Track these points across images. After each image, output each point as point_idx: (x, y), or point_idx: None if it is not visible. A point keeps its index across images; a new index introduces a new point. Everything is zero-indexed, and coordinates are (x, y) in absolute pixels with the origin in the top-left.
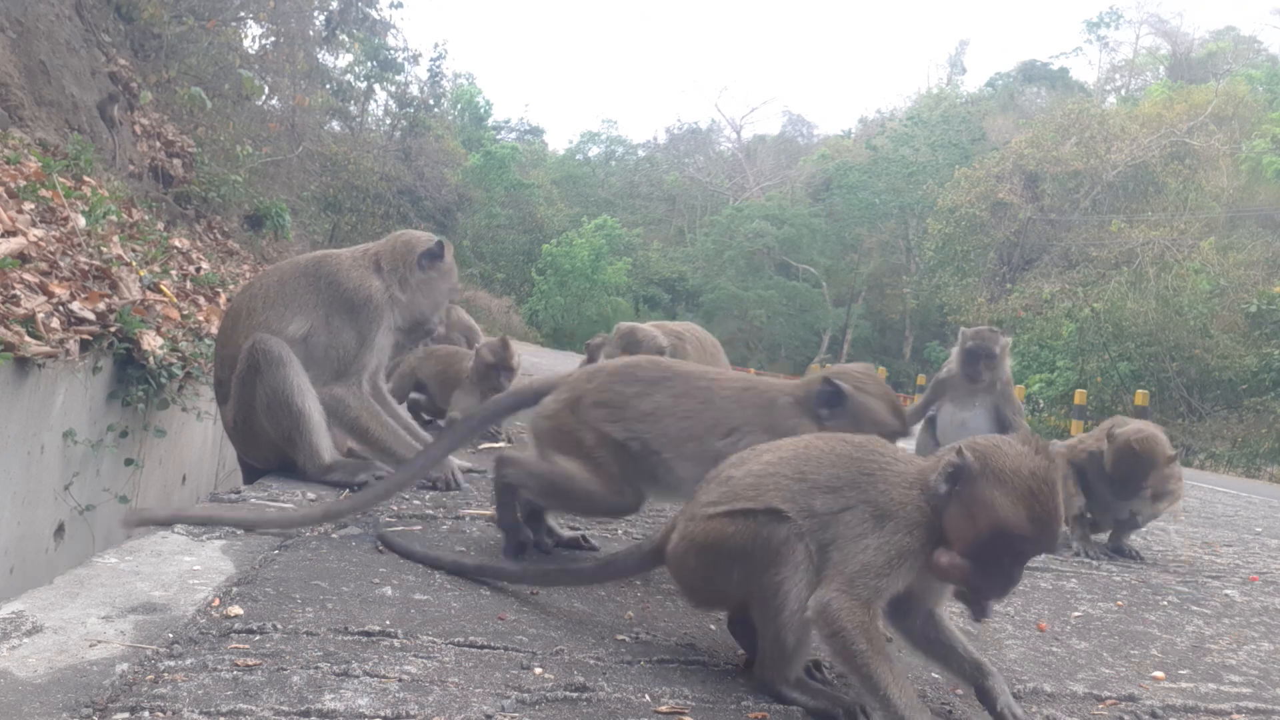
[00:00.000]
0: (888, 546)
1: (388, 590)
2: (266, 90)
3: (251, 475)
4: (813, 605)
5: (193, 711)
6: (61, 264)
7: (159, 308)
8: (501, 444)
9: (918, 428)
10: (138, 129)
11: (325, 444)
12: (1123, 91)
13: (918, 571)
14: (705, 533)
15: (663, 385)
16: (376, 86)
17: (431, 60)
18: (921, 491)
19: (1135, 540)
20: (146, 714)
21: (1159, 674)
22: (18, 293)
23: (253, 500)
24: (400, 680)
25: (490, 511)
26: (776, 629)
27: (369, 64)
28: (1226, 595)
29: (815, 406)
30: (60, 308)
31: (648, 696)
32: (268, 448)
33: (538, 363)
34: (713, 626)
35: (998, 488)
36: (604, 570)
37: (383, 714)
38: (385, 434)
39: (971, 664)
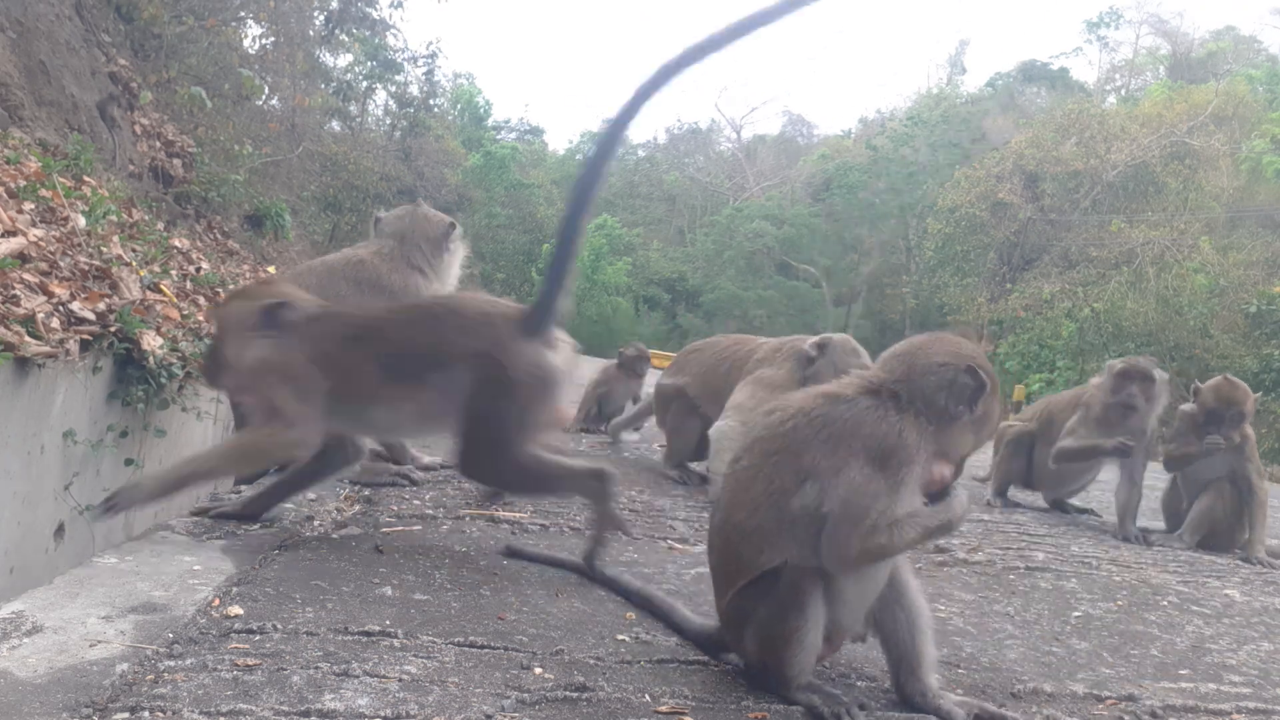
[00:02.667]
0: None
1: (388, 590)
2: (266, 90)
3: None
4: None
5: (193, 711)
6: (61, 264)
7: (159, 308)
8: None
9: None
10: (138, 129)
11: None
12: (1123, 91)
13: None
14: None
15: None
16: (376, 86)
17: (425, 59)
18: None
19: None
20: (146, 714)
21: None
22: (18, 293)
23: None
24: (400, 680)
25: (489, 511)
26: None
27: (369, 64)
28: (1226, 595)
29: None
30: (60, 308)
31: (648, 696)
32: None
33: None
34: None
35: None
36: None
37: (383, 714)
38: None
39: None
